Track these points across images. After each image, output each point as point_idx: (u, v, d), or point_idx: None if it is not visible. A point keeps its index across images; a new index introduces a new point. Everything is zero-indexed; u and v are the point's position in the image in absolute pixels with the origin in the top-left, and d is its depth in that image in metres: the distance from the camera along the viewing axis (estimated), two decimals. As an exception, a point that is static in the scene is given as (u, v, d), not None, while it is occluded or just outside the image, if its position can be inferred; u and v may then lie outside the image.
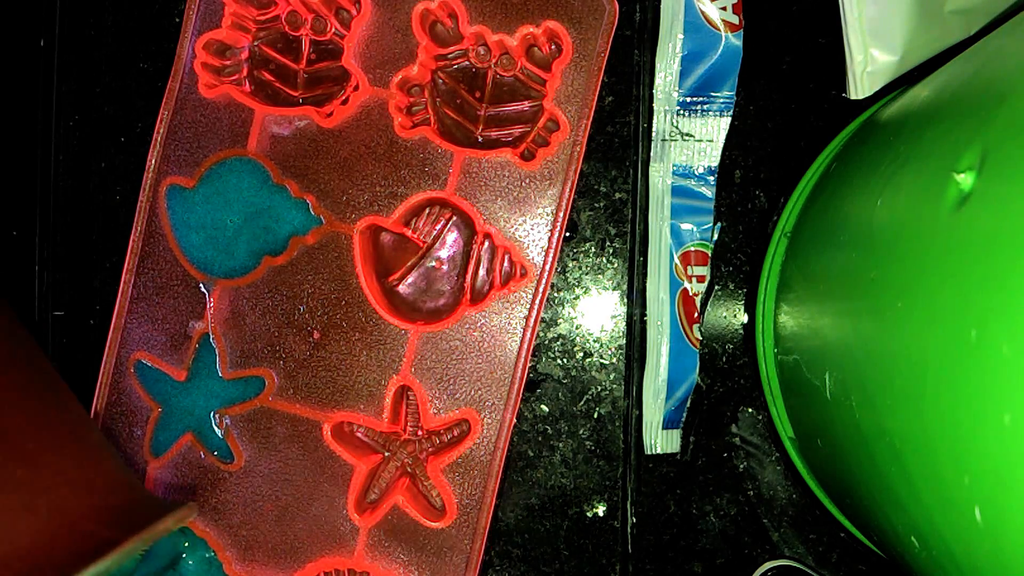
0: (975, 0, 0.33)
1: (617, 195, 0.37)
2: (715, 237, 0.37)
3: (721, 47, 0.36)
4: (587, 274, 0.37)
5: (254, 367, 0.36)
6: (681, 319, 0.37)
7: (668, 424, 0.37)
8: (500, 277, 0.35)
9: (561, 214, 0.35)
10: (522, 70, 0.36)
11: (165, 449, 0.36)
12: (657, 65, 0.36)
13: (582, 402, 0.37)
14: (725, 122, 0.37)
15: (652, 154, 0.37)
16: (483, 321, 0.35)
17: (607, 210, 0.37)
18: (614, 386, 0.37)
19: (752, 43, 0.36)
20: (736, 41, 0.36)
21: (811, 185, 0.35)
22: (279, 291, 0.36)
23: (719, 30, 0.36)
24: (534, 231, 0.35)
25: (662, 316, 0.37)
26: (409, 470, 0.35)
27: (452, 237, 0.36)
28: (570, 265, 0.37)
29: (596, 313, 0.37)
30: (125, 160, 0.39)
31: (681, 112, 0.37)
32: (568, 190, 0.35)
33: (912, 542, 0.22)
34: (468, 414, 0.35)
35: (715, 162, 0.37)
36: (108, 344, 0.36)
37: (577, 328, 0.37)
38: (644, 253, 0.37)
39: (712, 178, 0.37)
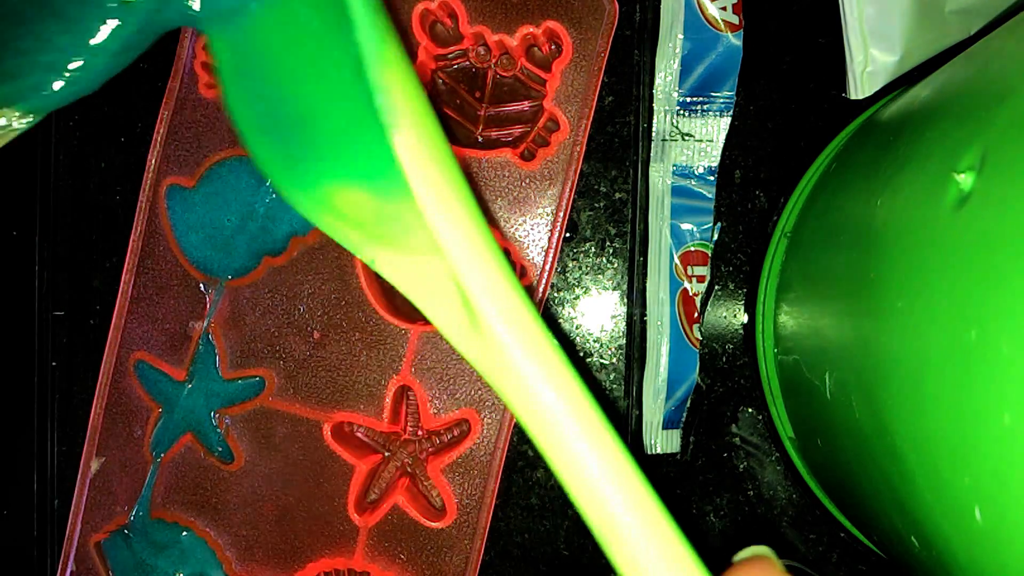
0: (975, 0, 0.33)
1: (617, 195, 0.37)
2: (715, 237, 0.37)
3: (721, 47, 0.36)
4: (587, 274, 0.37)
5: (254, 367, 0.36)
6: (681, 319, 0.37)
7: (668, 424, 0.37)
8: (500, 277, 0.35)
9: (561, 214, 0.35)
10: (522, 70, 0.36)
11: (165, 449, 0.36)
12: (657, 65, 0.36)
13: (582, 402, 0.37)
14: (725, 122, 0.37)
15: (652, 154, 0.37)
16: (483, 321, 0.35)
17: (607, 210, 0.37)
18: (614, 386, 0.37)
19: (752, 43, 0.36)
20: (736, 41, 0.36)
21: (811, 185, 0.35)
22: (279, 291, 0.36)
23: (719, 30, 0.36)
24: (534, 231, 0.35)
25: (662, 316, 0.37)
26: (409, 470, 0.35)
27: (452, 237, 0.36)
28: (570, 265, 0.37)
29: (596, 313, 0.37)
30: (125, 160, 0.39)
31: (681, 112, 0.37)
32: (568, 190, 0.35)
33: (912, 542, 0.22)
34: (468, 414, 0.35)
35: (715, 162, 0.37)
36: (108, 344, 0.36)
37: (577, 328, 0.37)
38: (644, 253, 0.37)
39: (712, 178, 0.37)
